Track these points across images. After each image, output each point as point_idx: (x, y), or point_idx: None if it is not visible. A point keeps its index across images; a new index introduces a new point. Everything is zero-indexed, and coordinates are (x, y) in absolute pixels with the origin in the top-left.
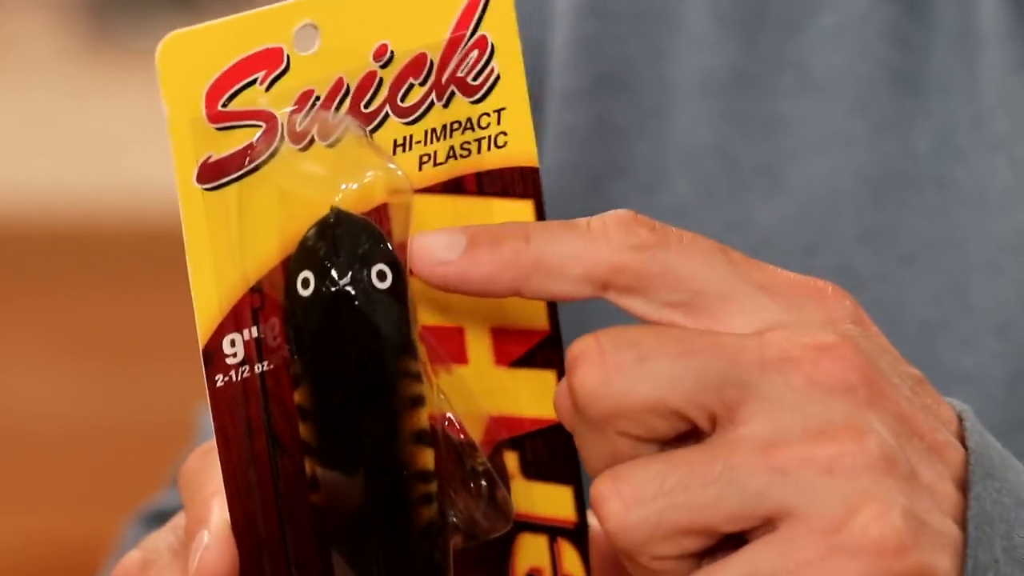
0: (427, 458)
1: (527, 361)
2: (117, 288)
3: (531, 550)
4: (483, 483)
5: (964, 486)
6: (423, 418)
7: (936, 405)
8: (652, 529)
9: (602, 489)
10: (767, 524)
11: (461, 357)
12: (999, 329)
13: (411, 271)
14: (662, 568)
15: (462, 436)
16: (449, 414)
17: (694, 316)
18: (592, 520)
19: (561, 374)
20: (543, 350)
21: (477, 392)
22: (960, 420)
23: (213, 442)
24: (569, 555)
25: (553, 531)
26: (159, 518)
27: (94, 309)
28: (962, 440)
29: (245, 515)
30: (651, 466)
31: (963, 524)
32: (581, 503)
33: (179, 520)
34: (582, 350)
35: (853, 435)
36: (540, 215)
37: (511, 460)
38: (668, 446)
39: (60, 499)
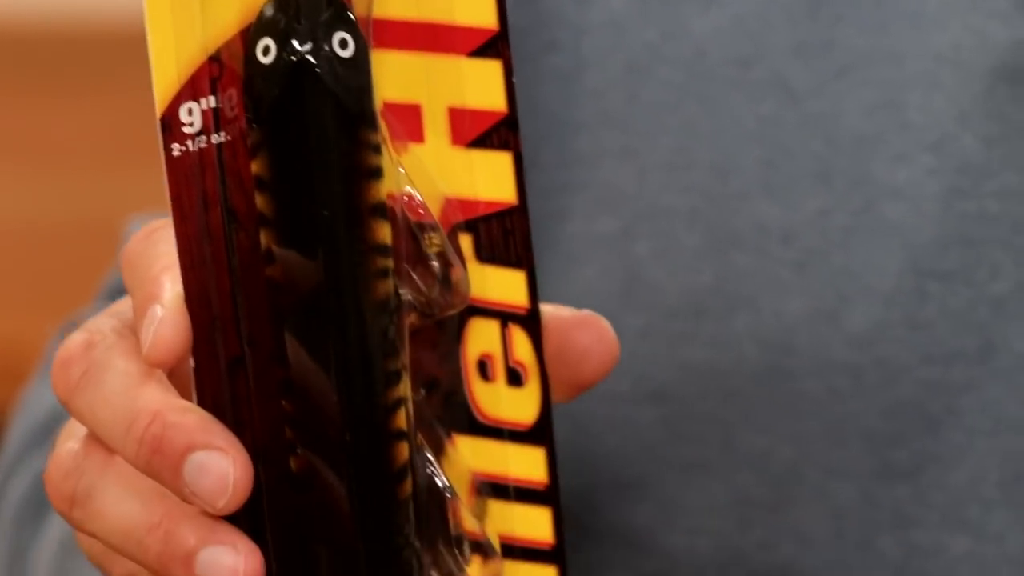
0: (384, 232)
1: (484, 142)
2: (48, 91)
3: (482, 335)
4: (439, 263)
5: None
6: (382, 191)
7: None
8: None
9: None
10: None
11: (418, 135)
12: (934, 145)
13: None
14: None
15: (420, 213)
16: (408, 190)
17: None
18: (544, 306)
19: (517, 157)
20: (500, 131)
21: (433, 172)
22: None
23: (156, 223)
24: (520, 340)
25: (505, 316)
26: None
27: (24, 112)
28: None
29: (199, 288)
30: None
31: None
32: (534, 289)
33: (119, 307)
34: None
35: None
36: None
37: (465, 242)
38: None
39: None
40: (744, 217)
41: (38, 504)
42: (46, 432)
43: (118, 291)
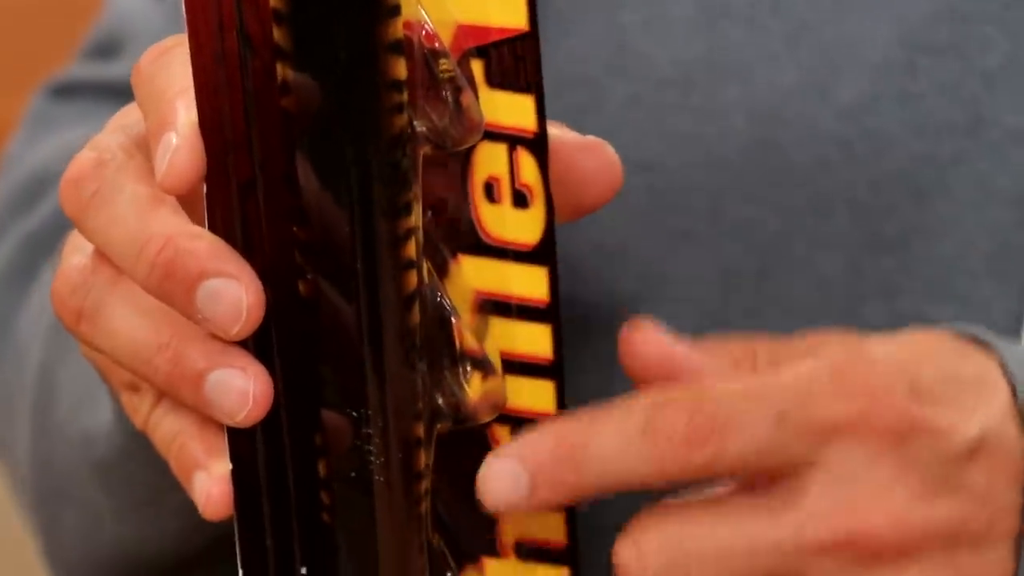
0: (400, 68)
1: None
2: None
3: (490, 158)
4: (450, 90)
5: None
6: (399, 27)
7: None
8: None
9: None
10: None
11: None
12: None
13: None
14: None
15: (436, 44)
16: (424, 23)
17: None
18: (551, 129)
19: None
20: None
21: None
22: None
23: (168, 41)
24: (527, 164)
25: (513, 140)
26: (69, 89)
27: None
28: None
29: (212, 114)
30: None
31: None
32: (542, 114)
33: (126, 119)
34: (626, 565)
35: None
36: None
37: (476, 68)
38: None
39: None
40: None
41: (23, 270)
42: (28, 195)
43: (103, 47)
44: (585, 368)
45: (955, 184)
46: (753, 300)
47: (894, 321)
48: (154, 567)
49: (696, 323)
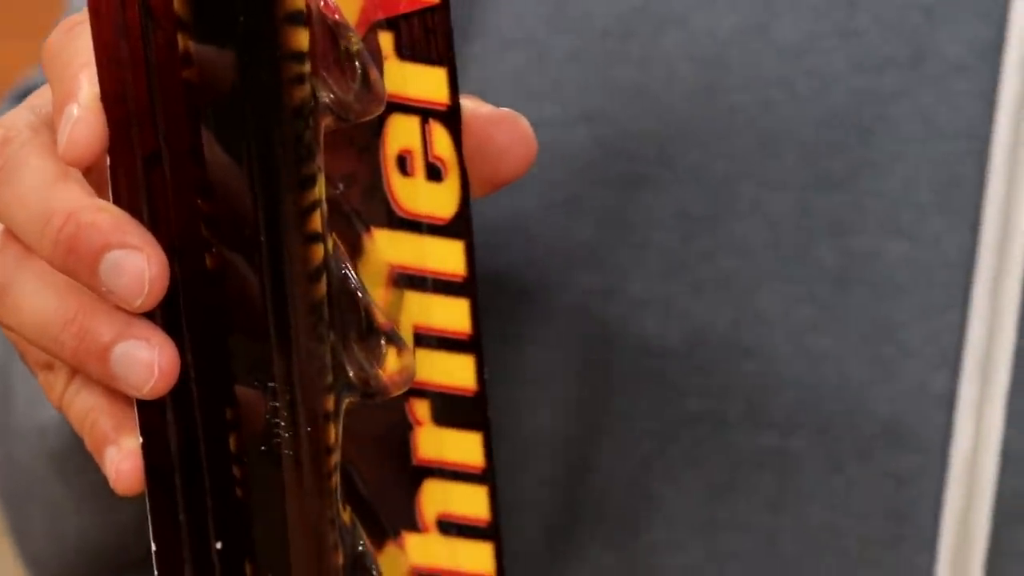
0: (301, 39)
1: None
2: None
3: (402, 131)
4: (356, 64)
5: None
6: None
7: None
8: None
9: None
10: None
11: None
12: None
13: None
14: None
15: (337, 16)
16: None
17: None
18: (464, 102)
19: None
20: None
21: None
22: None
23: (76, 17)
24: (440, 136)
25: (425, 112)
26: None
27: None
28: None
29: (115, 86)
30: None
31: None
32: (454, 86)
33: (35, 100)
34: None
35: None
36: None
37: (385, 40)
38: None
39: None
40: None
41: None
42: None
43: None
44: (542, 321)
45: (899, 118)
46: (709, 243)
47: (846, 259)
48: (121, 561)
49: (657, 267)
